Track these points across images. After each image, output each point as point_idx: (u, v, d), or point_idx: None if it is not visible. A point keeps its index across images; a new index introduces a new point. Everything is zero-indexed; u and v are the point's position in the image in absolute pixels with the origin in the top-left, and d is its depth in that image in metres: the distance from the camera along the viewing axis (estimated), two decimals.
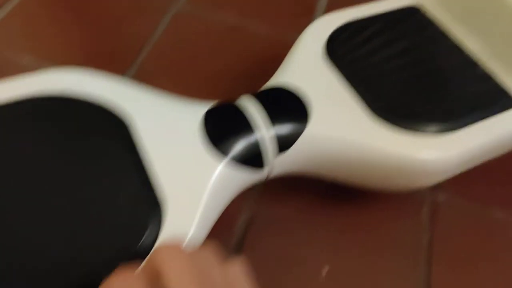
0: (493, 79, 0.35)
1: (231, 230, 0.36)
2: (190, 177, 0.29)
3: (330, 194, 0.39)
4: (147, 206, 0.27)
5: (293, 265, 0.35)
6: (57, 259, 0.25)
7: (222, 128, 0.31)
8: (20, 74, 0.43)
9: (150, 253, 0.25)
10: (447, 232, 0.38)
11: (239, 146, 0.30)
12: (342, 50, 0.35)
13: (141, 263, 0.26)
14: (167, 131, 0.30)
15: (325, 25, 0.38)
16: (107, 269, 0.25)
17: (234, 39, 0.49)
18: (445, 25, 0.39)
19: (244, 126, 0.31)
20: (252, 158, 0.31)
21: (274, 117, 0.31)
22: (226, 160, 0.30)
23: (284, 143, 0.31)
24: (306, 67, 0.34)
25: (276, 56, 0.42)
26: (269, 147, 0.31)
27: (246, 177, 0.31)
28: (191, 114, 0.31)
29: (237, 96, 0.34)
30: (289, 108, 0.32)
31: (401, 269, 0.36)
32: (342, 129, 0.32)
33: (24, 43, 0.46)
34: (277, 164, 0.32)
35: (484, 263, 0.37)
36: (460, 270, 0.36)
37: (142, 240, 0.27)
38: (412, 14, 0.39)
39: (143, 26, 0.49)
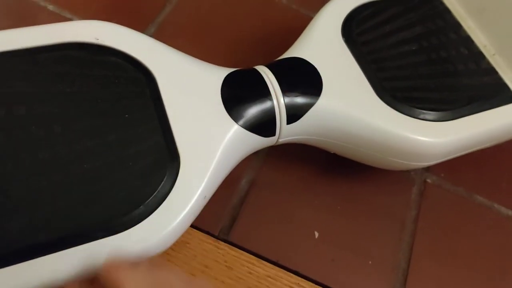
0: (496, 73, 0.37)
1: (235, 188, 0.39)
2: (205, 136, 0.31)
3: (329, 166, 0.42)
4: (166, 158, 0.30)
5: (289, 224, 0.38)
6: (79, 201, 0.28)
7: (239, 93, 0.33)
8: (47, 20, 0.45)
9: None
10: (432, 210, 0.41)
11: (254, 111, 0.32)
12: (358, 30, 0.37)
13: (152, 213, 0.29)
14: (188, 90, 0.32)
15: (344, 4, 0.39)
16: (124, 215, 0.28)
17: (253, 7, 0.50)
18: (459, 16, 0.40)
19: (260, 93, 0.33)
20: (265, 124, 0.33)
21: (289, 87, 0.33)
22: (240, 123, 0.32)
23: (295, 113, 0.33)
24: (322, 43, 0.36)
25: (292, 28, 0.43)
26: (281, 115, 0.33)
27: (257, 141, 0.33)
28: (212, 77, 0.33)
29: (253, 64, 0.36)
30: (303, 80, 0.34)
31: (387, 238, 0.39)
32: (350, 105, 0.34)
33: None
34: (287, 132, 0.34)
35: (463, 240, 0.40)
36: (440, 244, 0.40)
37: (158, 188, 0.29)
38: (430, 1, 0.41)
39: None
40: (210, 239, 0.37)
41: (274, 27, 0.49)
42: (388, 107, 0.34)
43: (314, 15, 0.44)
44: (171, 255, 0.35)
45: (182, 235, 0.36)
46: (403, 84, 0.35)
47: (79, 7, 0.46)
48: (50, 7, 0.45)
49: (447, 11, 0.40)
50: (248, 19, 0.49)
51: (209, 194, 0.31)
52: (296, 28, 0.41)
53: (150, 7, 0.48)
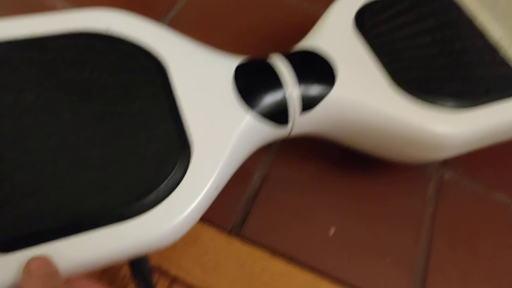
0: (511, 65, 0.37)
1: (247, 183, 0.38)
2: (218, 124, 0.31)
3: (342, 162, 0.41)
4: (177, 145, 0.29)
5: (303, 221, 0.37)
6: (88, 187, 0.27)
7: (253, 81, 0.32)
8: None
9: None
10: (450, 208, 0.40)
11: (267, 100, 0.32)
12: (372, 21, 0.37)
13: (163, 200, 0.28)
14: (200, 78, 0.31)
15: None
16: (135, 202, 0.27)
17: (266, 1, 0.50)
18: (473, 9, 0.40)
19: (273, 82, 0.32)
20: (278, 114, 0.32)
21: (302, 76, 0.33)
22: (253, 112, 0.31)
23: (309, 103, 0.33)
24: (336, 34, 0.36)
25: (303, 22, 0.43)
26: (295, 105, 0.32)
27: (270, 131, 0.32)
28: (225, 65, 0.32)
29: (265, 55, 0.36)
30: (317, 69, 0.34)
31: (405, 235, 0.38)
32: (364, 95, 0.33)
33: None
34: (300, 123, 0.33)
35: (482, 240, 0.39)
36: (458, 243, 0.38)
37: (170, 176, 0.28)
38: None
39: None
40: (222, 235, 0.36)
41: (285, 20, 0.49)
42: (403, 98, 0.33)
43: (324, 10, 0.44)
44: (182, 250, 0.34)
45: (193, 230, 0.35)
46: (417, 75, 0.34)
47: (89, 4, 0.46)
48: (60, 4, 0.45)
49: (460, 4, 0.40)
50: (260, 12, 0.49)
51: (221, 184, 0.30)
52: (306, 22, 0.40)
53: (161, 3, 0.48)
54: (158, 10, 0.47)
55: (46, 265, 0.24)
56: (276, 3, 0.50)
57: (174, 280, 0.33)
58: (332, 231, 0.37)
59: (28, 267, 0.24)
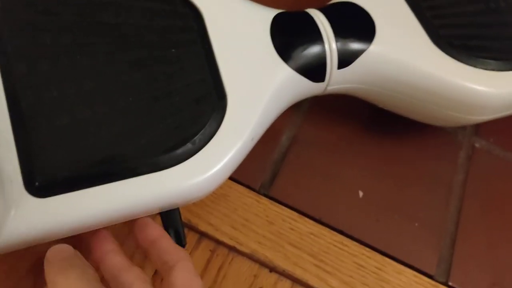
0: None
1: (276, 143, 0.38)
2: (254, 76, 0.30)
3: (373, 124, 0.40)
4: (213, 95, 0.28)
5: (331, 183, 0.37)
6: (123, 134, 0.26)
7: (290, 34, 0.31)
8: None
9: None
10: (481, 176, 0.39)
11: (305, 54, 0.31)
12: None
13: (199, 151, 0.27)
14: (236, 28, 0.30)
15: None
16: (170, 152, 0.26)
17: None
18: None
19: (312, 35, 0.31)
20: (315, 68, 0.31)
21: (341, 31, 0.31)
22: (290, 65, 0.30)
23: (347, 59, 0.32)
24: None
25: None
26: (332, 60, 0.31)
27: (306, 86, 0.31)
28: (261, 16, 0.31)
29: (302, 7, 0.34)
30: (355, 24, 0.32)
31: (434, 201, 0.37)
32: (404, 52, 0.32)
33: None
34: (337, 78, 0.32)
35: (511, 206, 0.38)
36: (488, 210, 0.38)
37: (205, 126, 0.28)
38: None
39: None
40: (251, 193, 0.35)
41: None
42: (445, 55, 0.32)
43: None
44: (211, 207, 0.34)
45: (223, 188, 0.35)
46: (460, 32, 0.33)
47: None
48: None
49: None
50: None
51: (256, 137, 0.29)
52: None
53: None
54: None
55: (63, 251, 0.24)
56: None
57: (203, 235, 0.33)
58: (361, 193, 0.37)
59: (46, 258, 0.24)
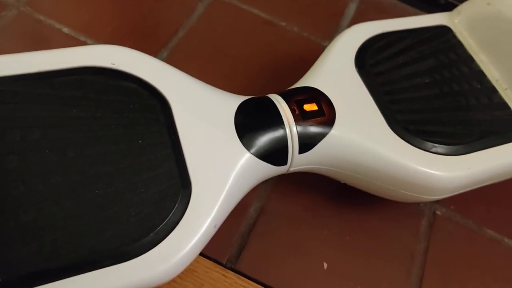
0: (509, 108, 0.37)
1: (244, 215, 0.39)
2: (218, 163, 0.31)
3: (338, 196, 0.41)
4: (178, 185, 0.30)
5: (298, 254, 0.38)
6: (90, 227, 0.27)
7: (253, 120, 0.33)
8: (62, 42, 0.45)
9: None
10: (442, 244, 0.41)
11: (266, 139, 0.32)
12: (372, 60, 0.37)
13: (162, 241, 0.28)
14: (202, 117, 0.32)
15: (358, 34, 0.39)
16: (134, 243, 0.28)
17: (265, 34, 0.50)
18: (471, 49, 0.40)
19: (273, 121, 0.33)
20: (277, 153, 0.33)
21: (301, 116, 0.33)
22: (252, 151, 0.32)
23: (308, 143, 0.33)
24: (335, 73, 0.36)
25: (304, 56, 0.43)
26: (293, 145, 0.33)
27: (269, 169, 0.33)
28: (226, 104, 0.33)
29: (265, 91, 0.36)
30: (315, 109, 0.34)
31: (397, 270, 0.39)
32: (362, 137, 0.34)
33: (65, 14, 0.47)
34: (298, 161, 0.34)
35: (473, 276, 0.39)
36: (450, 279, 0.39)
37: (169, 216, 0.29)
38: (443, 34, 0.41)
39: (180, 10, 0.51)
40: (218, 268, 0.36)
41: (286, 54, 0.49)
42: (401, 140, 0.34)
43: (326, 43, 0.45)
44: (177, 283, 0.35)
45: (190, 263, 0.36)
46: (415, 117, 0.35)
47: (93, 30, 0.46)
48: (65, 30, 0.46)
49: (459, 44, 0.40)
50: (260, 46, 0.49)
51: (219, 223, 0.31)
52: (308, 56, 0.41)
53: (163, 32, 0.48)
54: (158, 41, 0.47)
55: None
56: (277, 36, 0.50)
57: None
58: (325, 265, 0.38)
59: None
